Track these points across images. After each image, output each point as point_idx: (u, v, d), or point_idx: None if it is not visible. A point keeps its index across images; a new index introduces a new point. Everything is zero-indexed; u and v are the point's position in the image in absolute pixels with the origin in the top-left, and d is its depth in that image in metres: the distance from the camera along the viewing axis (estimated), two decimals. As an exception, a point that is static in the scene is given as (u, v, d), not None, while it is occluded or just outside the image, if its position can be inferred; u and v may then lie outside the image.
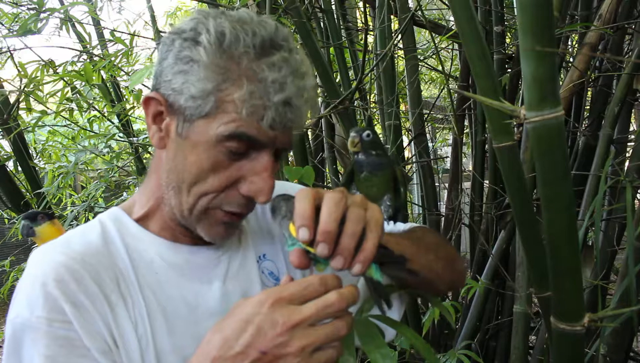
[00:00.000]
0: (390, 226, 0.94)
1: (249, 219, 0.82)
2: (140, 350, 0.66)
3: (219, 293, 0.74)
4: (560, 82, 1.66)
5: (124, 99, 2.30)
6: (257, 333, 0.54)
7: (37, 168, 2.22)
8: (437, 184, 2.28)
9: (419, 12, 1.96)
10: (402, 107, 2.66)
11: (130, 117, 2.24)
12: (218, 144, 0.66)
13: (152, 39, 2.22)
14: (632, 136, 1.89)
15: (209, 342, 0.57)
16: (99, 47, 2.20)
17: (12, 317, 0.65)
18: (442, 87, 3.15)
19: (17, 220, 1.95)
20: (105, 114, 2.22)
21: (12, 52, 1.98)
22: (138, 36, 2.09)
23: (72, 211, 2.01)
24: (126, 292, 0.68)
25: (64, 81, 1.93)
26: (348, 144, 1.07)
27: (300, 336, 0.54)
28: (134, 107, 2.12)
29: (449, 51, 2.68)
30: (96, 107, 2.21)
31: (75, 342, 0.63)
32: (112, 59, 1.91)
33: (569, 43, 2.24)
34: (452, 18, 1.93)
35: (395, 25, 2.17)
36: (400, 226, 0.93)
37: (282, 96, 0.65)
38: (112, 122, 2.25)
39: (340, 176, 2.36)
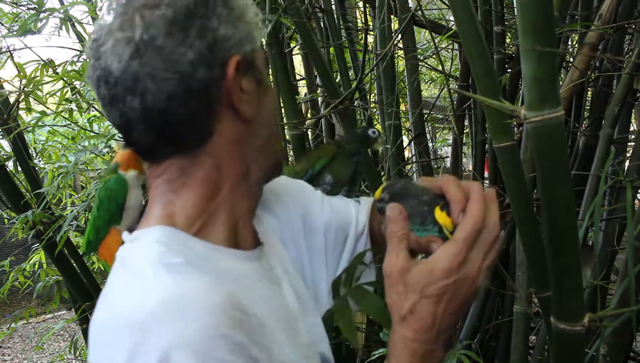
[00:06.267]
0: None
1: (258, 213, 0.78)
2: None
3: (291, 292, 0.71)
4: (560, 82, 1.66)
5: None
6: (453, 296, 0.59)
7: (37, 168, 2.21)
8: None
9: (419, 12, 1.96)
10: (402, 107, 2.66)
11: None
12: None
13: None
14: (632, 136, 1.89)
15: (412, 329, 0.59)
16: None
17: None
18: (442, 87, 3.15)
19: (17, 220, 1.95)
20: (105, 114, 2.22)
21: (12, 52, 1.98)
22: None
23: (72, 211, 2.00)
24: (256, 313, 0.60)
25: (64, 80, 1.93)
26: (378, 144, 1.13)
27: (481, 273, 0.61)
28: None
29: (449, 50, 2.68)
30: (96, 107, 2.20)
31: None
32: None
33: (569, 43, 2.24)
34: (452, 18, 1.93)
35: (395, 25, 2.17)
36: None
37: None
38: (112, 122, 2.25)
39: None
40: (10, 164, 2.12)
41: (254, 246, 0.70)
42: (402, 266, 0.59)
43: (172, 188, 0.64)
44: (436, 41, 2.15)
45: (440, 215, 0.62)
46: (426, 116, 2.42)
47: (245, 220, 0.68)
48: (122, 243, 0.65)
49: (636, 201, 1.81)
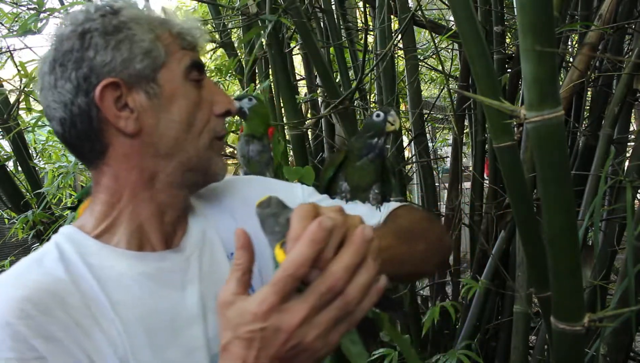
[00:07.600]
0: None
1: (212, 217, 0.80)
2: None
3: (196, 298, 0.71)
4: (560, 82, 1.66)
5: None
6: (263, 346, 0.52)
7: (37, 168, 2.22)
8: (437, 184, 2.28)
9: (419, 12, 1.96)
10: (402, 107, 2.66)
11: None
12: (186, 82, 0.71)
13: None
14: (632, 136, 1.89)
15: None
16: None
17: None
18: (442, 87, 3.15)
19: (17, 220, 1.95)
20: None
21: (12, 52, 1.98)
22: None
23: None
24: (99, 315, 0.64)
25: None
26: (390, 124, 1.00)
27: (308, 330, 0.52)
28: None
29: (449, 50, 2.68)
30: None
31: None
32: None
33: (569, 43, 2.24)
34: (452, 18, 1.93)
35: (395, 25, 2.17)
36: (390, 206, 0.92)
37: (188, 23, 0.73)
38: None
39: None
40: (10, 164, 2.13)
41: (165, 247, 0.73)
42: (224, 299, 0.55)
43: (92, 195, 0.74)
44: (436, 41, 2.16)
45: (278, 252, 0.55)
46: (426, 116, 2.42)
47: (153, 223, 0.72)
48: None
49: (636, 201, 1.81)
